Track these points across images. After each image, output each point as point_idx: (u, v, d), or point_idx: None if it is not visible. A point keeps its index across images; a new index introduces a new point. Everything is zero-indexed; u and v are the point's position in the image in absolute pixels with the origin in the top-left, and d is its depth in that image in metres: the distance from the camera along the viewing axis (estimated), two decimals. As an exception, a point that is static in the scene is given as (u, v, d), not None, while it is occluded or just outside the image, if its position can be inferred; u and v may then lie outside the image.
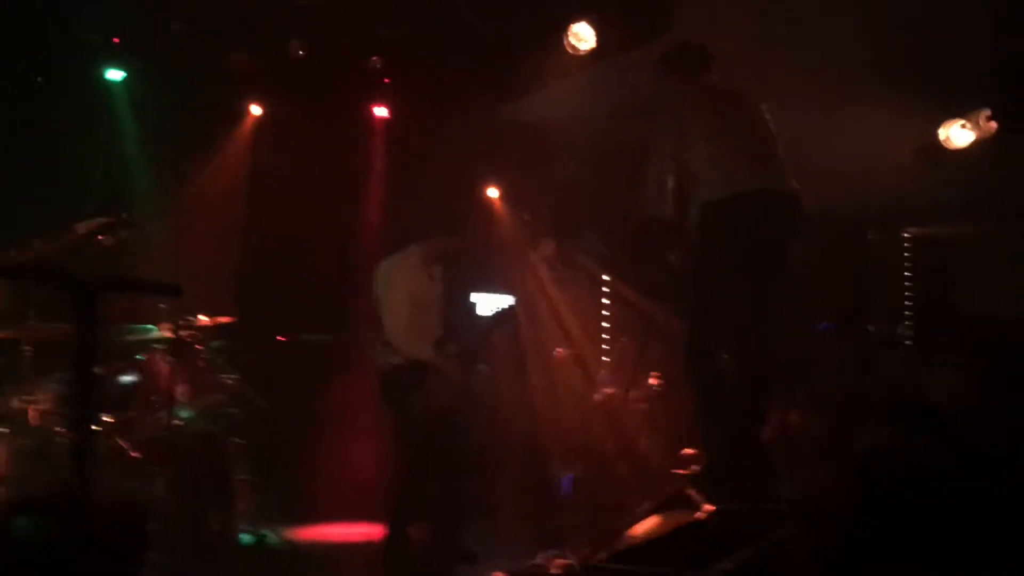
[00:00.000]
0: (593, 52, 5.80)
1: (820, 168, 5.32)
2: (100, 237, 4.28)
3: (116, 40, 5.87)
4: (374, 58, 6.51)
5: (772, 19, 5.53)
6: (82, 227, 3.68)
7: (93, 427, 2.06)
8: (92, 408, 2.21)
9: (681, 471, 5.18)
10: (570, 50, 5.80)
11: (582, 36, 5.71)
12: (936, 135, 6.61)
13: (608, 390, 6.76)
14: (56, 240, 3.60)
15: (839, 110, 6.14)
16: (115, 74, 6.22)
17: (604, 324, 7.51)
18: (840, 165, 6.31)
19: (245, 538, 5.36)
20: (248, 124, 7.13)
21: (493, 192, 7.83)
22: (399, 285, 5.26)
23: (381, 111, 7.19)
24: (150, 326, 5.18)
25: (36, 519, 2.18)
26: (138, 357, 5.19)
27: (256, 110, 7.05)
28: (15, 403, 4.65)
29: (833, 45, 5.73)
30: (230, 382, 5.55)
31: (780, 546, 3.55)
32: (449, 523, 5.37)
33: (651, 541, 4.06)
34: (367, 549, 5.76)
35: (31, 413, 4.63)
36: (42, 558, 2.14)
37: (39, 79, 6.04)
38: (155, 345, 5.20)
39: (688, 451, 5.26)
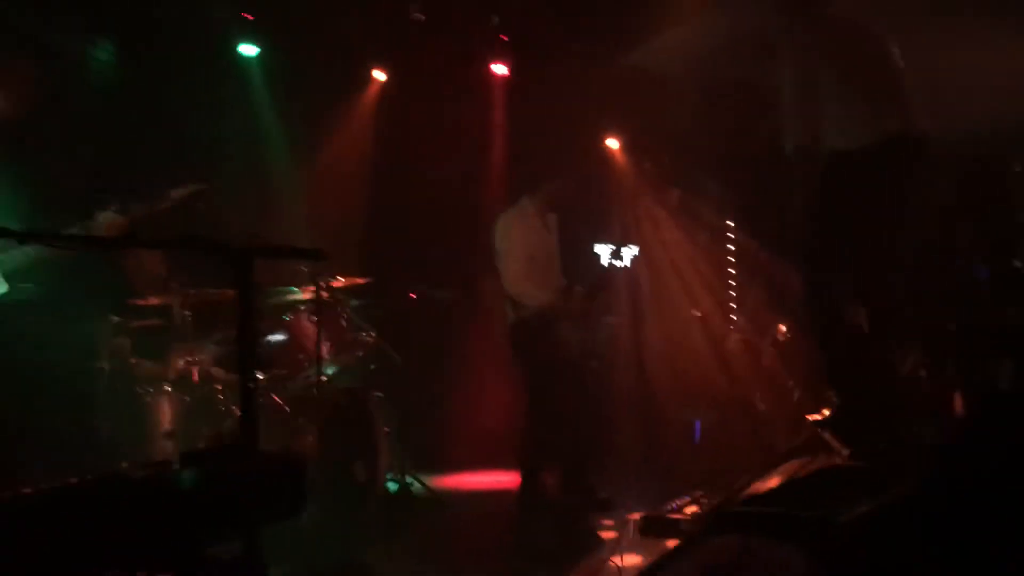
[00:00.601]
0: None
1: (959, 96, 5.09)
2: (195, 204, 4.50)
3: (248, 16, 6.09)
4: (493, 17, 6.56)
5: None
6: (177, 192, 3.89)
7: (247, 385, 2.23)
8: (254, 367, 2.38)
9: (815, 416, 5.15)
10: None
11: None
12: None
13: (739, 337, 6.72)
14: (152, 204, 3.80)
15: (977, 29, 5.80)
16: (248, 49, 6.47)
17: (730, 271, 7.42)
18: (982, 93, 5.98)
19: (389, 487, 5.63)
20: (372, 90, 7.35)
21: (613, 143, 7.80)
22: (516, 238, 5.36)
23: (500, 68, 7.25)
24: (293, 288, 5.47)
25: (206, 470, 2.37)
26: (284, 318, 5.49)
27: (380, 76, 7.25)
28: (179, 363, 5.00)
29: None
30: (368, 339, 5.79)
31: (917, 490, 3.51)
32: (581, 470, 5.49)
33: (786, 485, 4.07)
34: (503, 496, 5.96)
35: (193, 372, 4.98)
36: (212, 508, 2.32)
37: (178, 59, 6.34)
38: (299, 307, 5.49)
39: (823, 395, 5.20)
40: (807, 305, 4.23)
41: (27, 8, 4.88)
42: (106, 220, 3.69)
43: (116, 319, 5.01)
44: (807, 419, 5.38)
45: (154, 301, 5.05)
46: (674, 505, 4.68)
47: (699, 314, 7.12)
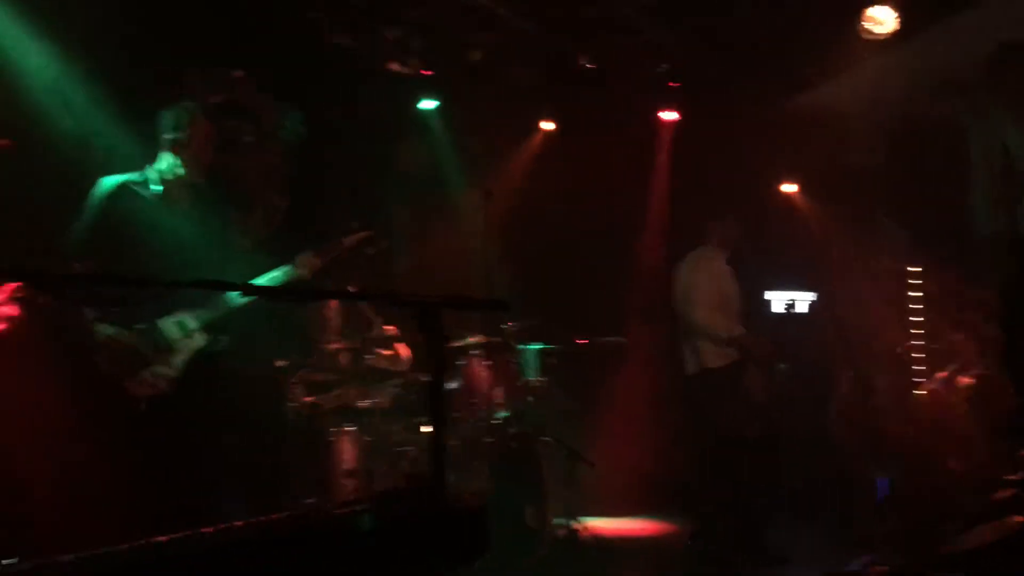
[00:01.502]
0: (892, 34, 5.53)
1: None
2: (365, 249, 4.70)
3: (427, 72, 6.38)
4: (662, 64, 6.60)
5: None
6: (349, 240, 4.10)
7: (438, 429, 2.30)
8: (445, 412, 2.46)
9: (1014, 476, 4.81)
10: (865, 35, 5.57)
11: (879, 19, 5.46)
12: None
13: (929, 386, 6.37)
14: (327, 252, 4.02)
15: None
16: (428, 104, 6.77)
17: (913, 318, 7.07)
18: None
19: (558, 532, 5.64)
20: (540, 138, 7.53)
21: (789, 187, 7.65)
22: (703, 277, 5.35)
23: (670, 115, 7.26)
24: (466, 336, 5.62)
25: (398, 511, 2.46)
26: (457, 363, 5.64)
27: (547, 125, 7.42)
28: (361, 403, 5.22)
29: None
30: (538, 384, 5.87)
31: None
32: (758, 523, 5.34)
33: (978, 550, 3.83)
34: (672, 544, 5.87)
35: (372, 412, 5.19)
36: (401, 550, 2.40)
37: (358, 114, 6.72)
38: (472, 352, 5.63)
39: (1017, 454, 4.85)
40: (1006, 356, 3.99)
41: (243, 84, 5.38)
42: (304, 259, 3.94)
43: (302, 361, 5.29)
44: (1004, 479, 5.04)
45: (336, 345, 5.31)
46: (855, 566, 4.48)
47: (900, 350, 6.80)
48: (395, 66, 6.29)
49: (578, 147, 7.29)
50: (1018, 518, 3.95)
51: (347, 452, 4.99)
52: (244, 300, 3.78)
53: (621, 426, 6.78)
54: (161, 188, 3.84)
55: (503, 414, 5.55)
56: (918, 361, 6.74)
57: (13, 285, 3.20)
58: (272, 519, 2.41)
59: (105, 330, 3.59)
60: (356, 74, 6.39)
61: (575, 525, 5.80)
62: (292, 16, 5.79)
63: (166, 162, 3.87)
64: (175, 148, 3.85)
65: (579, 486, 6.02)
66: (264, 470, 4.91)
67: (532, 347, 6.09)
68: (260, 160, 5.89)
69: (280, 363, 5.13)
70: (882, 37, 5.51)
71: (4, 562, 1.84)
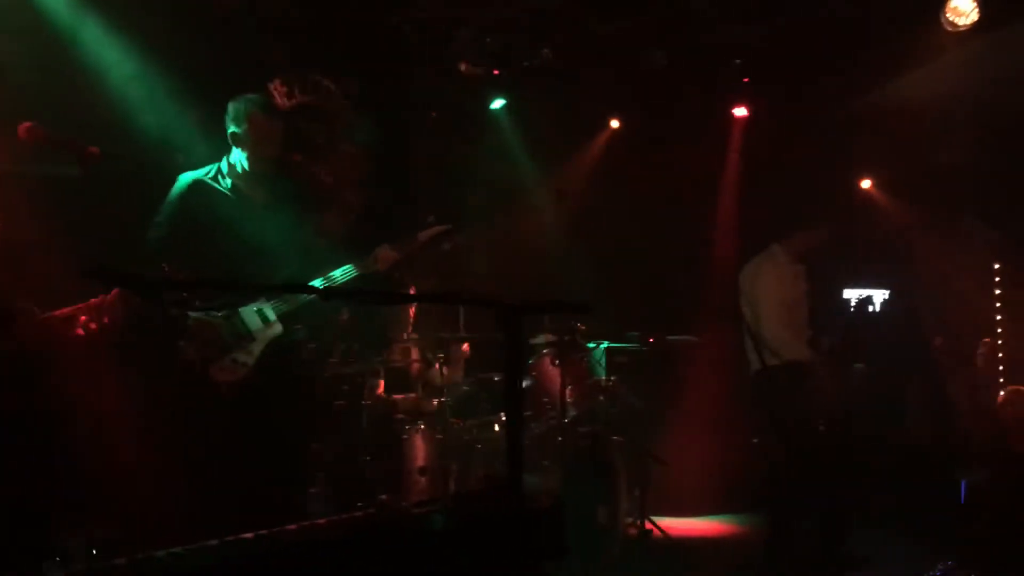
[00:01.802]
0: (974, 25, 5.38)
1: None
2: (440, 245, 4.72)
3: (496, 72, 6.41)
4: (736, 60, 6.51)
5: None
6: (424, 235, 4.11)
7: (515, 430, 2.31)
8: (522, 413, 2.47)
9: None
10: (948, 27, 5.42)
11: (962, 10, 5.32)
12: None
13: (1012, 388, 6.16)
14: (403, 247, 4.04)
15: None
16: (497, 103, 6.81)
17: (998, 316, 6.85)
18: None
19: (629, 531, 5.62)
20: (610, 135, 7.50)
21: (866, 182, 7.49)
22: (768, 284, 5.24)
23: (741, 111, 7.16)
24: (539, 335, 5.63)
25: (477, 510, 2.47)
26: (528, 362, 5.66)
27: (615, 123, 7.40)
28: (431, 403, 5.27)
29: None
30: (608, 383, 5.85)
31: None
32: (836, 526, 5.23)
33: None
34: (743, 546, 5.80)
35: (444, 411, 5.24)
36: (481, 548, 2.41)
37: (432, 114, 6.79)
38: (542, 351, 5.64)
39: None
40: None
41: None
42: (380, 252, 3.99)
43: (377, 359, 5.36)
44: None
45: (409, 344, 5.37)
46: (936, 573, 4.37)
47: (987, 341, 6.59)
48: (466, 66, 6.33)
49: (650, 145, 7.26)
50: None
51: (419, 450, 5.04)
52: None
53: (693, 425, 6.73)
54: (230, 182, 3.92)
55: (574, 413, 5.55)
56: (999, 360, 6.54)
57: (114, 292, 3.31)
58: (353, 517, 2.45)
59: (192, 316, 3.67)
60: (431, 75, 6.46)
61: (647, 524, 5.78)
62: (372, 19, 5.87)
63: (233, 156, 3.94)
64: (236, 142, 3.91)
65: (651, 485, 6.00)
66: (338, 463, 4.99)
67: (602, 346, 6.08)
68: (335, 161, 5.98)
69: (357, 357, 5.21)
70: (965, 28, 5.36)
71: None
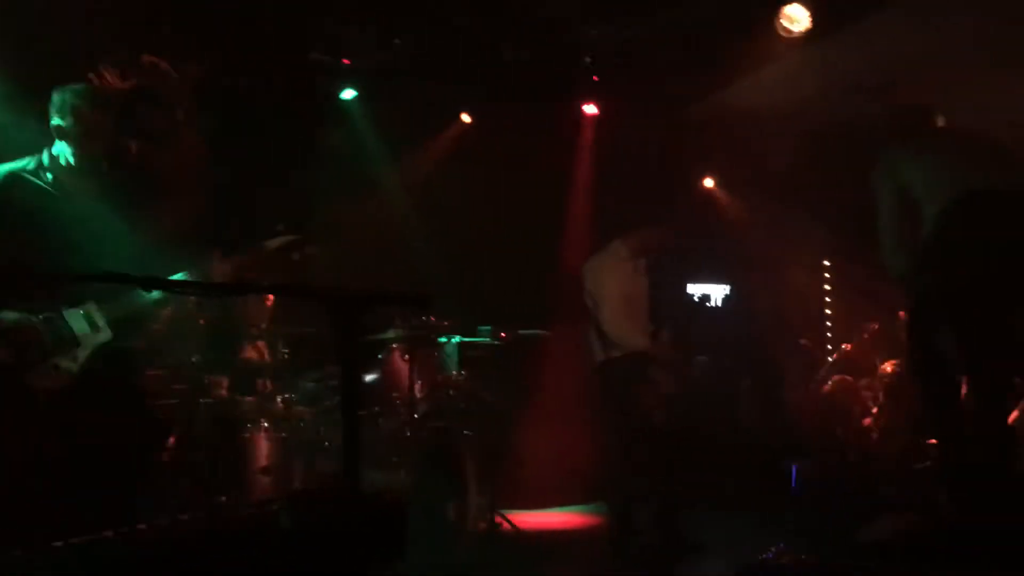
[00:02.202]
0: (807, 33, 5.66)
1: None
2: (289, 254, 4.60)
3: (346, 61, 6.28)
4: (584, 57, 6.62)
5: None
6: (273, 243, 3.99)
7: (351, 427, 2.26)
8: (357, 409, 2.41)
9: (920, 465, 4.97)
10: (782, 33, 5.68)
11: (795, 18, 5.59)
12: None
13: (838, 378, 6.54)
14: (248, 255, 3.91)
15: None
16: (348, 93, 6.67)
17: (827, 311, 7.26)
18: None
19: (479, 526, 5.62)
20: (461, 131, 7.49)
21: (708, 181, 7.76)
22: (609, 280, 5.36)
23: (591, 108, 7.28)
24: (388, 330, 5.55)
25: (310, 511, 2.40)
26: (378, 357, 5.57)
27: (466, 118, 7.39)
28: (276, 400, 5.11)
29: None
30: (459, 378, 5.84)
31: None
32: (674, 513, 5.40)
33: (891, 539, 3.94)
34: (592, 535, 5.91)
35: (289, 409, 5.09)
36: (314, 550, 2.35)
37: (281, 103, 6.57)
38: (392, 346, 5.56)
39: (930, 442, 5.01)
40: (911, 353, 4.11)
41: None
42: (215, 265, 3.81)
43: (222, 358, 5.16)
44: (912, 467, 5.20)
45: (255, 343, 5.20)
46: (768, 555, 4.56)
47: (805, 342, 6.95)
48: (317, 56, 6.18)
49: (504, 141, 7.28)
50: (926, 510, 4.08)
51: (262, 449, 4.88)
52: (155, 296, 3.64)
53: (545, 419, 6.81)
54: (51, 176, 3.66)
55: (423, 409, 5.51)
56: (830, 352, 6.92)
57: None
58: (187, 519, 2.35)
59: (7, 316, 3.42)
60: (278, 64, 6.26)
61: (497, 519, 5.79)
62: (217, 4, 5.63)
63: (56, 148, 3.69)
64: (60, 135, 3.66)
65: (503, 480, 6.03)
66: (175, 466, 4.78)
67: (454, 340, 6.05)
68: (176, 149, 5.71)
69: (194, 360, 4.99)
70: (798, 35, 5.63)
71: None
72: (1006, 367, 3.95)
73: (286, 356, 5.17)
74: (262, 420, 5.00)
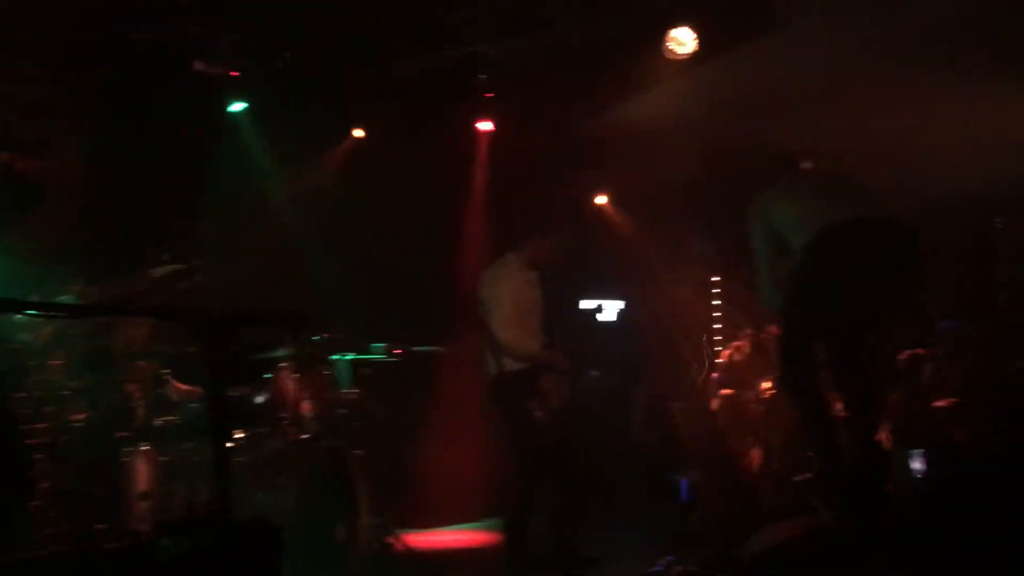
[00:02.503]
0: (693, 55, 5.81)
1: (943, 157, 5.26)
2: (175, 284, 4.47)
3: (235, 73, 6.14)
4: (478, 75, 6.64)
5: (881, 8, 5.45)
6: (158, 271, 3.88)
7: (228, 446, 2.18)
8: (227, 432, 2.34)
9: (801, 476, 5.11)
10: (669, 55, 5.82)
11: (681, 40, 5.73)
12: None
13: (724, 392, 6.69)
14: (133, 281, 3.80)
15: (960, 95, 5.97)
16: (237, 106, 6.51)
17: (716, 326, 7.44)
18: (964, 152, 6.13)
19: (370, 547, 5.53)
20: (353, 146, 7.41)
21: (601, 198, 7.86)
22: (501, 289, 5.36)
23: (485, 125, 7.31)
24: (278, 348, 5.43)
25: (180, 541, 2.32)
26: (267, 376, 5.44)
27: (359, 133, 7.32)
28: (157, 422, 4.94)
29: (949, 29, 5.59)
30: (351, 396, 5.75)
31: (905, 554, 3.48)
32: (567, 526, 5.42)
33: (772, 548, 4.04)
34: (486, 552, 5.88)
35: (170, 431, 4.92)
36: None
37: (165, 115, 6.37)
38: (280, 364, 5.44)
39: (809, 454, 5.17)
40: (783, 374, 4.32)
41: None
42: (79, 294, 3.67)
43: (93, 378, 4.95)
44: (793, 479, 5.36)
45: (134, 363, 5.01)
46: (659, 567, 4.62)
47: (694, 356, 7.11)
48: (202, 66, 6.02)
49: (398, 155, 7.23)
50: (804, 518, 4.21)
51: (141, 473, 4.71)
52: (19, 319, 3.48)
53: (439, 436, 6.75)
54: None
55: (313, 427, 5.40)
56: (716, 367, 7.08)
57: None
58: (57, 551, 2.25)
59: None
60: (161, 74, 6.06)
61: (389, 539, 5.71)
62: (92, 8, 5.43)
63: None
64: None
65: (396, 499, 5.95)
66: (48, 496, 4.56)
67: (347, 357, 5.96)
68: (51, 161, 5.48)
69: (70, 382, 4.78)
70: (684, 58, 5.77)
71: None
72: (869, 381, 4.16)
73: (166, 377, 4.99)
74: (142, 443, 4.83)
